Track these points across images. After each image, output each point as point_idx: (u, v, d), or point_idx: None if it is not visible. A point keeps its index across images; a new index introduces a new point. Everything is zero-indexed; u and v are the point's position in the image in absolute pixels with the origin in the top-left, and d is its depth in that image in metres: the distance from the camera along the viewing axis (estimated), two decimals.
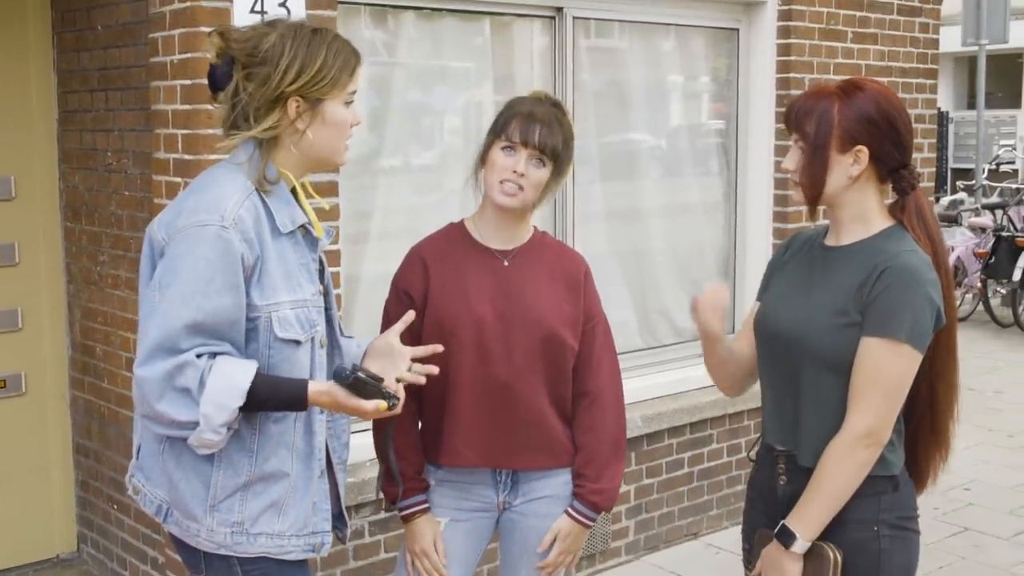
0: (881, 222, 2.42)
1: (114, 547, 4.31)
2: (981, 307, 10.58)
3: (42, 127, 4.38)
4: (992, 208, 11.15)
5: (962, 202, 11.91)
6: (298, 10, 3.57)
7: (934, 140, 6.11)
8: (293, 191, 2.35)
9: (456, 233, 2.84)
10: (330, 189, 3.72)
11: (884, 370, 2.30)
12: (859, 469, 2.33)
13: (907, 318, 2.28)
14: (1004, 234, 10.33)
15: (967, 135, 18.81)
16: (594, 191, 4.95)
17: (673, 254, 5.29)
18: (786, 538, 2.37)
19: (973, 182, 13.30)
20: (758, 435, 2.67)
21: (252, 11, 3.48)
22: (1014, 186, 13.05)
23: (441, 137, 4.51)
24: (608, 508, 2.91)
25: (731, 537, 5.13)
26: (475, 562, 2.91)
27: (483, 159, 2.75)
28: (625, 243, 5.10)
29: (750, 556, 2.62)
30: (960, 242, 10.72)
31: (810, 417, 2.41)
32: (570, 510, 2.85)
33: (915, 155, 5.82)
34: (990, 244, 10.42)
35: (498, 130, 2.72)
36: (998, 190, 13.02)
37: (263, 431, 2.27)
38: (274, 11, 3.51)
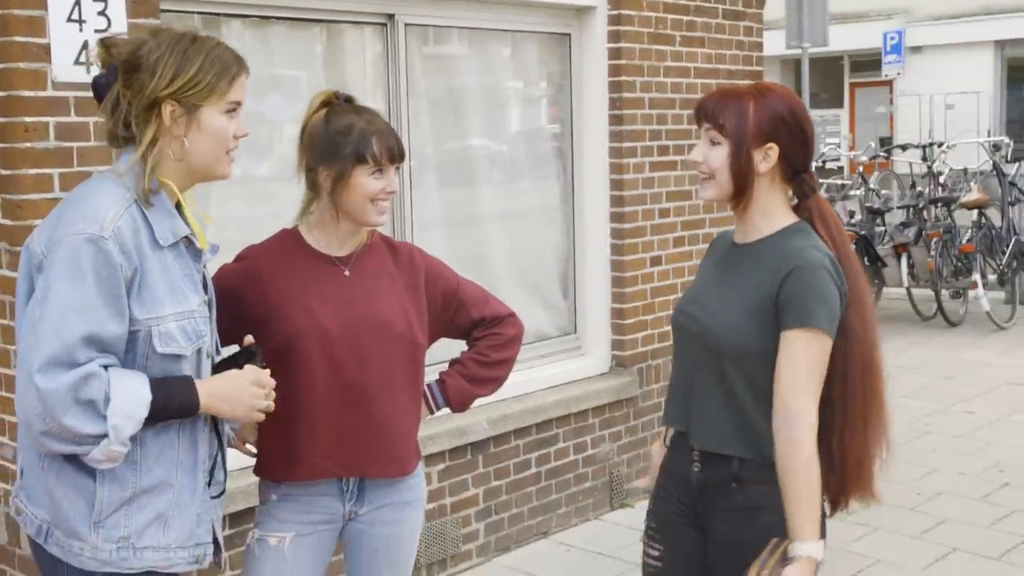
0: (784, 219, 2.53)
1: None
2: None
3: None
4: None
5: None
6: (118, 17, 3.47)
7: None
8: (178, 203, 2.33)
9: (290, 240, 2.80)
10: None
11: (811, 359, 2.41)
12: (815, 455, 2.41)
13: (822, 309, 2.41)
14: None
15: None
16: (432, 198, 4.96)
17: (513, 258, 5.34)
18: (807, 549, 2.38)
19: None
20: (668, 427, 2.73)
21: (69, 19, 3.37)
22: (839, 182, 13.61)
23: (274, 147, 4.45)
24: (455, 408, 3.00)
25: (581, 534, 5.23)
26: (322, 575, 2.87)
27: (337, 192, 2.69)
28: (465, 249, 5.12)
29: (653, 532, 2.69)
30: None
31: (714, 404, 2.51)
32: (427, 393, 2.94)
33: None
34: None
35: (356, 155, 2.66)
36: (824, 186, 13.54)
37: (145, 443, 2.24)
38: (92, 19, 3.41)
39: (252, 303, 2.71)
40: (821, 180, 14.10)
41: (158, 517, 2.28)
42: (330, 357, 2.70)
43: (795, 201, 2.58)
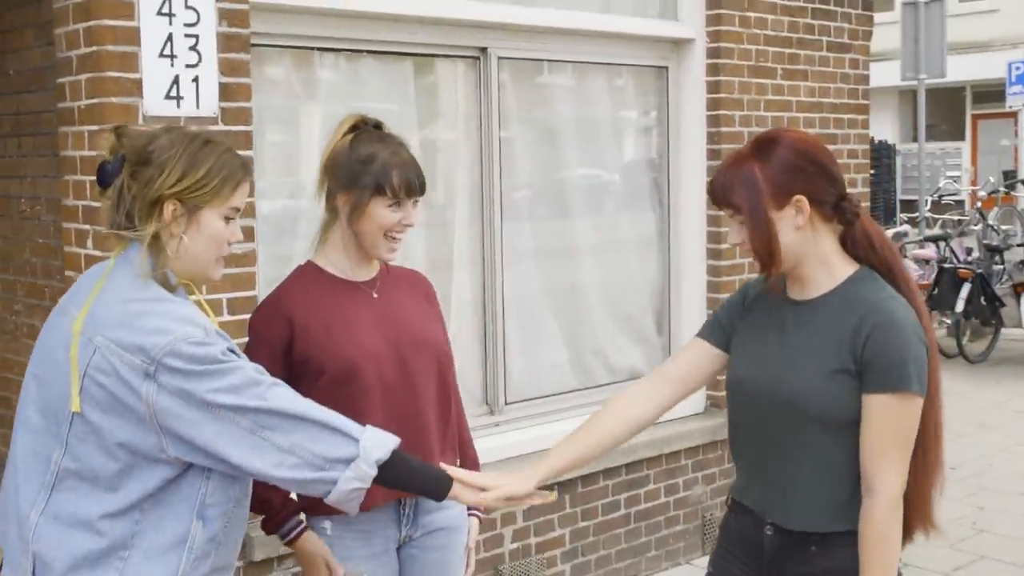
0: (845, 267, 2.38)
1: None
2: None
3: None
4: (935, 240, 11.26)
5: (905, 234, 12.02)
6: (209, 52, 3.52)
7: (867, 175, 6.14)
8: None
9: (312, 275, 2.77)
10: (247, 233, 3.65)
11: (901, 425, 2.26)
12: (900, 529, 2.29)
13: (912, 368, 2.25)
14: (947, 266, 10.42)
15: (914, 167, 19.04)
16: (524, 229, 4.91)
17: (606, 292, 5.26)
18: None
19: (916, 214, 13.43)
20: (732, 479, 2.60)
21: (161, 55, 3.43)
22: (956, 218, 13.20)
23: None
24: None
25: None
26: None
27: (352, 220, 2.69)
28: (557, 281, 5.07)
29: None
30: None
31: (803, 480, 2.35)
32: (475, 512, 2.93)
33: (850, 190, 5.88)
34: (933, 276, 10.50)
35: (376, 186, 2.64)
36: (940, 222, 13.15)
37: (231, 523, 2.25)
38: (183, 54, 3.46)
39: (291, 346, 2.68)
40: (936, 216, 13.72)
41: None
42: (383, 380, 2.68)
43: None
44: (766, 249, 2.33)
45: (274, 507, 2.71)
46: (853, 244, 2.40)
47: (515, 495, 2.47)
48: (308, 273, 2.78)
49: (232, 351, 2.17)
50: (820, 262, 2.38)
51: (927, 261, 10.92)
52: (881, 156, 18.43)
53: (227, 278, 3.60)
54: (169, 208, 2.18)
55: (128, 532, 2.13)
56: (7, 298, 4.13)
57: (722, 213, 2.45)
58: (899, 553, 2.31)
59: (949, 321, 10.38)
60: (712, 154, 5.26)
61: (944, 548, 5.41)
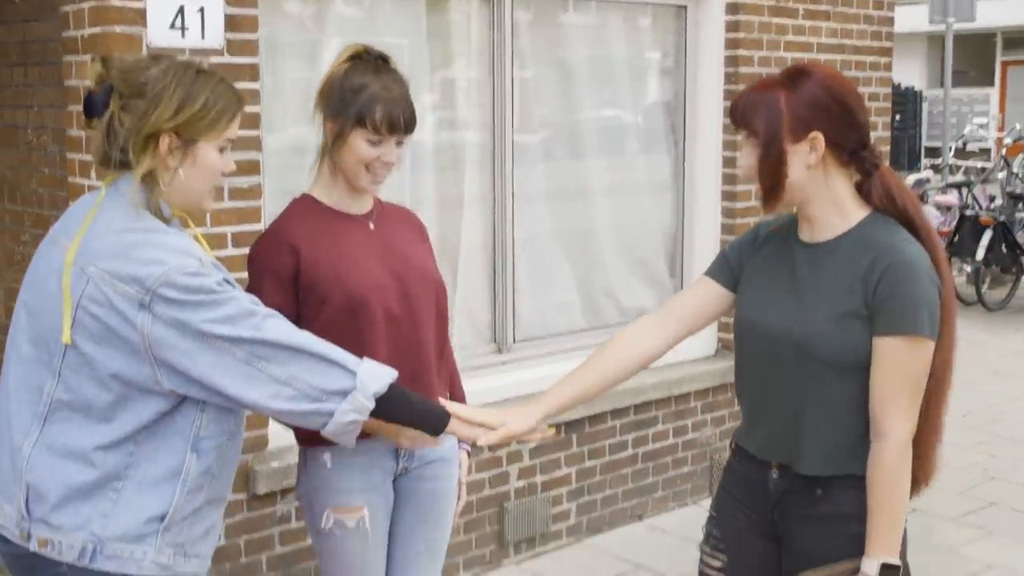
0: (858, 210, 2.34)
1: None
2: None
3: None
4: (957, 187, 11.13)
5: (928, 180, 11.90)
6: None
7: (888, 119, 6.04)
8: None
9: (310, 206, 2.73)
10: (252, 167, 3.63)
11: (911, 368, 2.23)
12: (909, 473, 2.27)
13: (923, 311, 2.22)
14: (969, 213, 10.31)
15: (940, 114, 18.81)
16: (536, 170, 4.86)
17: (618, 234, 5.21)
18: (873, 567, 2.25)
19: (940, 160, 13.28)
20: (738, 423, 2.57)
21: None
22: (979, 165, 13.04)
23: None
24: None
25: (677, 519, 5.11)
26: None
27: (336, 147, 2.65)
28: (569, 223, 5.03)
29: (716, 542, 2.54)
30: None
31: (814, 424, 2.32)
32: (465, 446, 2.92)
33: (871, 134, 5.79)
34: (954, 223, 10.40)
35: (358, 117, 2.60)
36: (963, 168, 13.00)
37: (226, 457, 2.25)
38: None
39: (296, 276, 2.65)
40: (960, 163, 13.55)
41: (210, 528, 2.29)
42: (387, 312, 2.67)
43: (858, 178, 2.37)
44: (772, 179, 2.29)
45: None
46: (869, 194, 2.35)
47: (516, 434, 2.46)
48: (305, 204, 2.75)
49: (228, 282, 2.16)
50: (832, 204, 2.33)
51: (948, 208, 10.80)
52: (907, 102, 18.21)
53: (232, 211, 3.59)
54: (165, 141, 2.15)
55: (122, 464, 2.13)
56: (14, 229, 4.13)
57: (738, 139, 2.39)
58: (908, 498, 2.29)
59: (969, 269, 10.28)
60: (729, 95, 5.17)
61: (954, 495, 5.41)
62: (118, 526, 2.13)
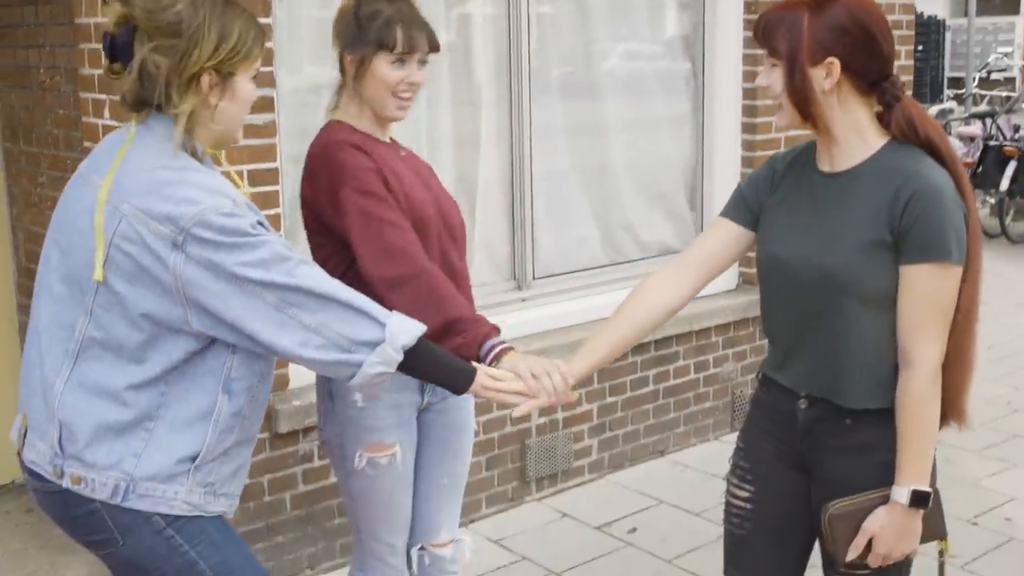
0: (879, 138, 2.28)
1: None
2: None
3: None
4: (981, 117, 10.97)
5: (951, 111, 11.74)
6: None
7: (911, 47, 5.93)
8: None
9: (349, 129, 2.68)
10: (266, 105, 3.59)
11: (940, 295, 2.19)
12: (939, 401, 2.25)
13: (951, 237, 2.17)
14: (992, 143, 10.18)
15: (963, 43, 18.50)
16: (554, 105, 4.80)
17: (638, 169, 5.16)
18: (919, 502, 2.24)
19: (963, 91, 13.09)
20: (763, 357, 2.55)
21: None
22: (1004, 94, 12.85)
23: None
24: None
25: (699, 455, 5.11)
26: None
27: (359, 77, 2.63)
28: (587, 158, 4.97)
29: (743, 473, 2.52)
30: None
31: (851, 357, 2.29)
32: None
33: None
34: (978, 153, 10.27)
35: (378, 41, 2.58)
36: (987, 98, 12.82)
37: (256, 399, 2.24)
38: None
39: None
40: (984, 92, 13.36)
41: (239, 468, 2.28)
42: (438, 234, 2.68)
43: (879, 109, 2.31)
44: (800, 97, 2.24)
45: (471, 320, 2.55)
46: (891, 125, 2.29)
47: (548, 404, 2.48)
48: (345, 128, 2.69)
49: (261, 224, 2.13)
50: (852, 130, 2.28)
51: (972, 138, 10.66)
52: (929, 31, 17.91)
53: (247, 149, 3.55)
54: (206, 79, 2.11)
55: (153, 404, 2.12)
56: (31, 171, 4.11)
57: (759, 71, 2.35)
58: (937, 426, 2.27)
59: (992, 200, 10.18)
60: (749, 25, 5.09)
61: (976, 427, 5.37)
62: (150, 466, 2.12)
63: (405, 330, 2.19)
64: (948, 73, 19.29)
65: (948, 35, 19.88)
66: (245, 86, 2.18)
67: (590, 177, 4.99)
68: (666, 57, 5.24)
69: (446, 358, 2.37)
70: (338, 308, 2.12)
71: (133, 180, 2.07)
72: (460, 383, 2.38)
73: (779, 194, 2.42)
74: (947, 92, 16.72)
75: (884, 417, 2.27)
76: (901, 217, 2.19)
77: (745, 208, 2.48)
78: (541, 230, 4.76)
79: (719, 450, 5.19)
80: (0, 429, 4.41)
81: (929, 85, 17.77)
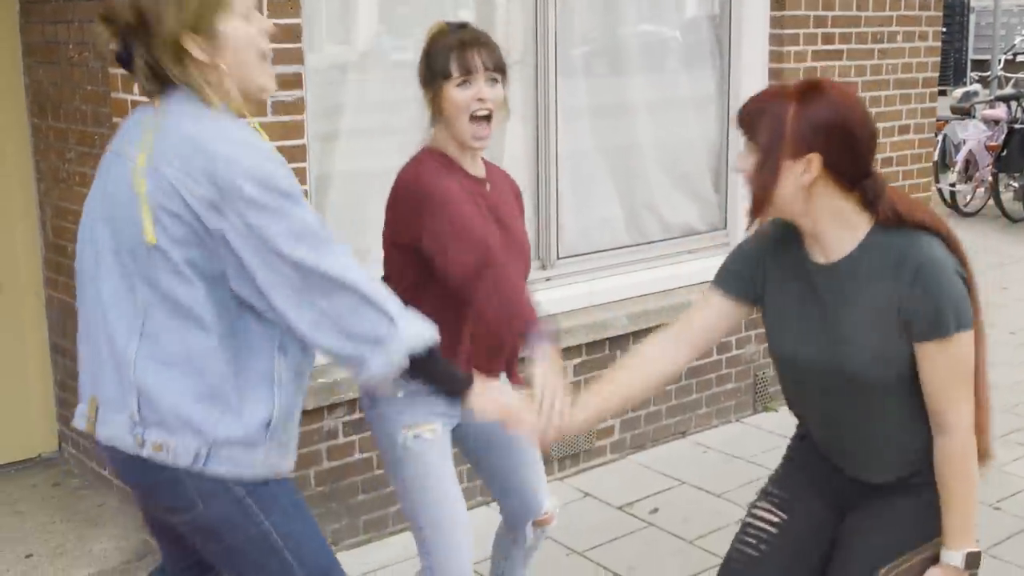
0: (864, 220, 2.26)
1: (94, 446, 4.29)
2: (991, 202, 10.40)
3: (4, 20, 4.24)
4: (1006, 100, 10.88)
5: (976, 94, 11.64)
6: None
7: (939, 28, 5.89)
8: None
9: (443, 160, 2.75)
10: (294, 81, 3.60)
11: (960, 362, 2.22)
12: (976, 460, 2.29)
13: (961, 308, 2.20)
14: (1018, 126, 10.10)
15: (988, 25, 18.32)
16: (579, 85, 4.79)
17: (663, 150, 5.14)
18: (957, 559, 2.28)
19: (988, 73, 12.99)
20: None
21: None
22: None
23: (414, 29, 4.35)
24: None
25: (721, 436, 5.12)
26: None
27: (438, 110, 2.71)
28: (612, 138, 4.96)
29: (780, 501, 2.53)
30: (972, 135, 10.49)
31: (875, 441, 2.34)
32: None
33: (920, 44, 5.65)
34: (1003, 137, 10.20)
35: (442, 72, 2.68)
36: (1012, 81, 12.71)
37: (307, 351, 2.27)
38: None
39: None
40: (1009, 75, 13.25)
41: (298, 422, 2.32)
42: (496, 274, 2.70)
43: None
44: (762, 191, 2.22)
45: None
46: (877, 214, 2.26)
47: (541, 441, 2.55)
48: (439, 159, 2.76)
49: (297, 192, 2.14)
50: (836, 220, 2.26)
51: (997, 121, 10.57)
52: (954, 13, 17.76)
53: (275, 126, 3.56)
54: (191, 45, 2.09)
55: (222, 369, 2.14)
56: (60, 147, 4.13)
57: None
58: (978, 484, 2.29)
59: (1016, 184, 10.11)
60: (776, 4, 5.06)
61: (999, 412, 5.35)
62: (228, 431, 2.14)
63: (417, 334, 2.19)
64: (972, 55, 19.13)
65: (972, 17, 19.71)
66: (236, 30, 2.13)
67: (615, 157, 4.98)
68: (692, 37, 5.22)
69: (447, 368, 2.37)
70: (352, 296, 2.12)
71: (170, 145, 2.08)
72: (455, 390, 2.38)
73: (776, 282, 2.41)
74: (971, 75, 16.58)
75: (926, 481, 2.33)
76: (907, 300, 2.20)
77: (740, 281, 2.47)
78: (565, 210, 4.76)
79: (741, 431, 5.20)
80: (30, 395, 4.47)
81: (953, 68, 17.64)
